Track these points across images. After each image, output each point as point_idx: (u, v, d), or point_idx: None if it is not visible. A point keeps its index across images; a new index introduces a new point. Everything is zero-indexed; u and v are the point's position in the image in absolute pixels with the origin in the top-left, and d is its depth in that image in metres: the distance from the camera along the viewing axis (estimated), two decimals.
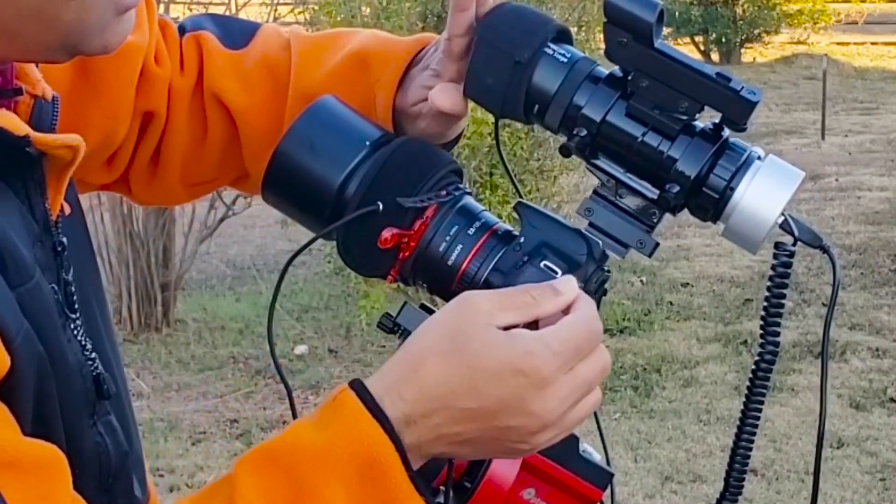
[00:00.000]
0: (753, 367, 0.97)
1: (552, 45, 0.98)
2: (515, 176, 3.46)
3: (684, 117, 0.93)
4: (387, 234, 0.94)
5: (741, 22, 16.07)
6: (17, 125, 0.81)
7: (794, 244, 0.94)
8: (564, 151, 0.96)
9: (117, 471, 0.89)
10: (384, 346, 5.43)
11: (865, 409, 4.80)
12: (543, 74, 0.97)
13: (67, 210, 0.90)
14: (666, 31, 3.71)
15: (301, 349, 5.50)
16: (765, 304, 0.96)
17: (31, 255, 0.82)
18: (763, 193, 0.92)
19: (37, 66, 0.90)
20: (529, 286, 0.89)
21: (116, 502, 0.90)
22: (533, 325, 0.87)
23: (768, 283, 0.95)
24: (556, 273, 0.92)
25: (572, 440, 0.94)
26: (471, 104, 1.04)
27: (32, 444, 0.77)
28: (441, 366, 0.84)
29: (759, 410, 0.98)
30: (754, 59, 16.43)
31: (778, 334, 0.96)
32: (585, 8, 5.95)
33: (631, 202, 0.97)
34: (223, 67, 1.13)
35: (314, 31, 1.23)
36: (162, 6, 5.86)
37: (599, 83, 0.96)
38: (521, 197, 1.01)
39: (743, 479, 1.00)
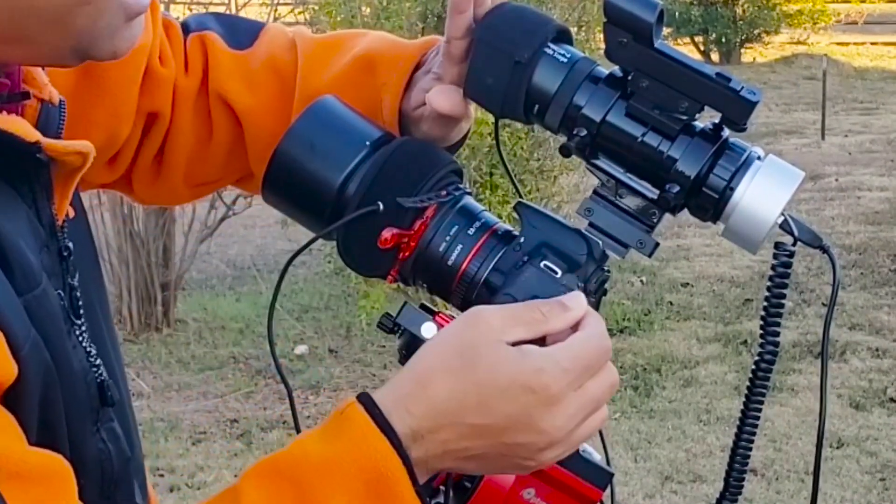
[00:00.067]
0: (753, 367, 0.97)
1: (552, 45, 0.98)
2: (515, 176, 3.46)
3: (684, 117, 0.93)
4: (387, 234, 0.94)
5: (741, 22, 16.07)
6: (28, 131, 0.80)
7: (794, 244, 0.94)
8: (564, 151, 0.96)
9: (119, 477, 0.88)
10: (384, 346, 5.43)
11: (865, 409, 4.80)
12: (543, 74, 0.97)
13: (71, 213, 0.89)
14: (666, 31, 3.71)
15: (301, 349, 5.50)
16: (765, 304, 0.96)
17: (38, 261, 0.81)
18: (763, 193, 0.92)
19: (43, 70, 0.90)
20: (539, 302, 0.89)
21: None
22: (540, 340, 0.87)
23: (768, 283, 0.95)
24: (556, 273, 0.92)
25: None
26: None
27: (38, 453, 0.76)
28: (450, 381, 0.84)
29: (759, 410, 0.98)
30: (754, 59, 16.43)
31: (778, 334, 0.96)
32: (585, 8, 5.94)
33: (631, 202, 0.97)
34: (228, 68, 1.13)
35: (315, 32, 1.23)
36: (162, 6, 5.85)
37: (599, 83, 0.96)
38: (521, 197, 1.01)
39: (743, 479, 1.00)
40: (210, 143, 1.15)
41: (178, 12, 6.24)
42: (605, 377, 0.87)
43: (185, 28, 1.15)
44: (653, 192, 0.96)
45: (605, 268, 0.96)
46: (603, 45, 0.96)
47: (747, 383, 0.98)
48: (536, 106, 0.97)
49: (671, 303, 6.14)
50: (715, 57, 16.11)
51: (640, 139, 0.94)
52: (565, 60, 0.97)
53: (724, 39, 16.07)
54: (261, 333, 5.71)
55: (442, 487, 0.95)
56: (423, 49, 1.09)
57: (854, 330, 5.67)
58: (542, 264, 0.93)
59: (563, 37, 0.99)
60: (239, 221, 6.67)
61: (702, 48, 16.23)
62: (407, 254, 0.95)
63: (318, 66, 1.12)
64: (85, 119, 1.05)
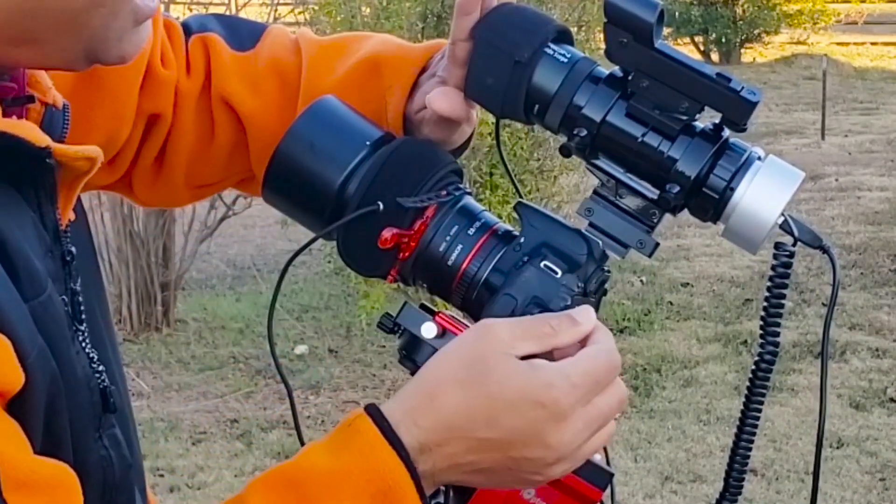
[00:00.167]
0: (753, 367, 0.97)
1: (552, 45, 0.97)
2: (515, 176, 3.46)
3: (684, 117, 0.93)
4: (387, 234, 0.94)
5: (741, 22, 16.07)
6: (37, 136, 0.79)
7: (794, 244, 0.94)
8: (564, 151, 0.96)
9: (121, 484, 0.87)
10: (384, 346, 5.43)
11: (865, 409, 4.80)
12: (543, 74, 0.97)
13: (72, 217, 0.89)
14: (666, 31, 3.72)
15: (301, 349, 5.50)
16: (765, 304, 0.96)
17: (43, 267, 0.80)
18: (763, 194, 0.92)
19: (47, 74, 0.89)
20: (548, 315, 0.89)
21: None
22: (548, 354, 0.87)
23: (768, 284, 0.95)
24: (557, 273, 0.92)
25: None
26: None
27: (45, 463, 0.75)
28: (458, 394, 0.84)
29: (759, 410, 0.98)
30: (754, 59, 16.42)
31: (778, 334, 0.96)
32: (585, 8, 5.94)
33: (631, 202, 0.97)
34: (231, 70, 1.12)
35: (315, 32, 1.23)
36: (162, 6, 5.86)
37: (600, 83, 0.96)
38: (521, 197, 1.01)
39: (743, 479, 1.00)
40: (212, 144, 1.14)
41: (178, 12, 6.24)
42: (614, 392, 0.87)
43: (187, 29, 1.15)
44: (653, 193, 0.96)
45: (605, 268, 0.96)
46: (603, 45, 0.96)
47: (747, 383, 0.98)
48: (536, 106, 0.97)
49: (671, 303, 6.14)
50: (715, 57, 16.11)
51: (640, 139, 0.94)
52: (565, 60, 0.97)
53: (724, 39, 16.07)
54: (261, 333, 5.71)
55: (442, 487, 0.95)
56: (429, 53, 1.08)
57: (854, 330, 5.67)
58: (542, 264, 0.93)
59: (563, 37, 0.99)
60: (239, 221, 6.67)
61: (702, 48, 16.23)
62: (407, 254, 0.95)
63: (323, 68, 1.11)
64: (84, 121, 1.04)
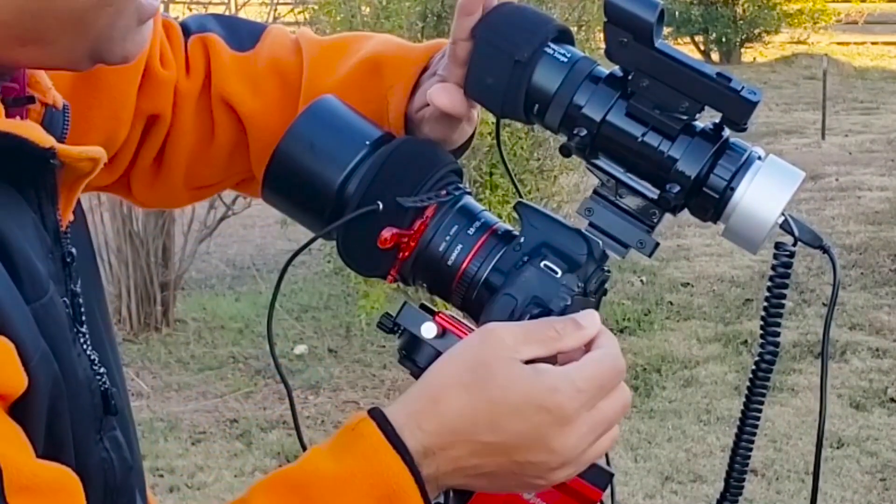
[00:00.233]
0: (753, 367, 0.97)
1: (552, 45, 0.97)
2: (515, 176, 3.46)
3: (684, 117, 0.93)
4: (387, 233, 0.94)
5: (741, 22, 16.07)
6: (41, 136, 0.79)
7: (794, 244, 0.94)
8: (564, 151, 0.96)
9: (121, 486, 0.87)
10: (384, 346, 5.43)
11: (865, 409, 4.80)
12: (543, 74, 0.97)
13: (72, 218, 0.89)
14: (666, 30, 3.71)
15: (301, 349, 5.50)
16: (765, 304, 0.96)
17: (44, 268, 0.80)
18: (763, 193, 0.92)
19: (46, 74, 0.89)
20: (552, 319, 0.89)
21: None
22: (552, 358, 0.87)
23: (768, 283, 0.95)
24: (557, 273, 0.92)
25: None
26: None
27: (47, 466, 0.75)
28: (463, 398, 0.84)
29: (760, 410, 0.98)
30: (754, 58, 16.43)
31: (778, 334, 0.96)
32: (585, 8, 5.94)
33: (631, 202, 0.97)
34: (231, 70, 1.12)
35: (315, 31, 1.22)
36: (161, 6, 5.85)
37: (600, 83, 0.96)
38: (521, 197, 1.00)
39: (743, 479, 0.99)
40: (211, 145, 1.14)
41: (178, 12, 6.24)
42: (618, 397, 0.87)
43: (186, 29, 1.14)
44: (653, 192, 0.95)
45: (605, 268, 0.96)
46: (603, 45, 0.95)
47: (747, 383, 0.98)
48: (536, 105, 0.97)
49: (671, 303, 6.14)
50: (715, 57, 16.11)
51: (640, 139, 0.94)
52: (565, 60, 0.97)
53: (724, 39, 16.08)
54: (260, 333, 5.71)
55: None
56: (430, 52, 1.08)
57: (854, 330, 5.67)
58: (542, 264, 0.93)
59: (563, 36, 0.99)
60: (238, 221, 6.67)
61: (702, 48, 16.23)
62: (407, 254, 0.95)
63: (324, 68, 1.11)
64: (83, 121, 1.04)
